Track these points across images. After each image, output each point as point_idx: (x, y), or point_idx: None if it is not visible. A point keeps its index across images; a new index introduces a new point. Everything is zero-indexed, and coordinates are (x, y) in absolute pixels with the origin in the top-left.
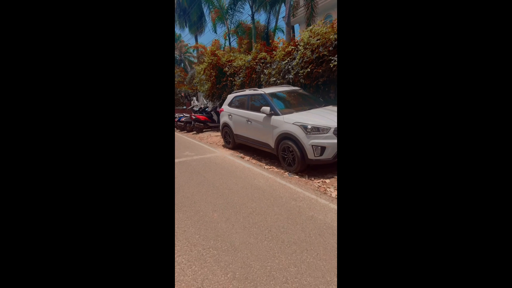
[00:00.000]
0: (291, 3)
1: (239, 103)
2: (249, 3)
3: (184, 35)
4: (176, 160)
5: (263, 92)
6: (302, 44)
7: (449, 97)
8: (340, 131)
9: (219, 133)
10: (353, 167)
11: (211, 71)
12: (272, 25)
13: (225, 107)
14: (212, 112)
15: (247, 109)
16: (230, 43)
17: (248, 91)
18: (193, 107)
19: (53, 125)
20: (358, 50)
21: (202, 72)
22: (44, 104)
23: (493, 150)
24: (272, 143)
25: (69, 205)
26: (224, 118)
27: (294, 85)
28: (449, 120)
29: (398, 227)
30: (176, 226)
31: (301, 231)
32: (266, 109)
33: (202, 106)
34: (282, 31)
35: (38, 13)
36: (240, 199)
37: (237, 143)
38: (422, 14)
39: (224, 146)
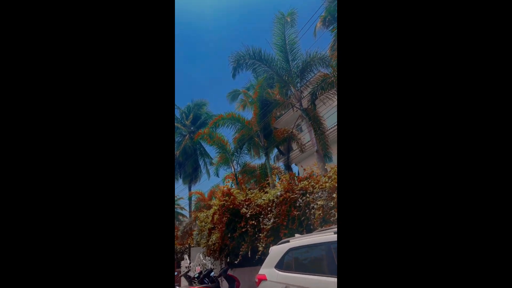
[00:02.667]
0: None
1: (304, 262)
2: (260, 144)
3: (176, 186)
4: None
5: None
6: None
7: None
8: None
9: None
10: (352, 173)
11: (222, 216)
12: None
13: (268, 271)
14: (220, 279)
15: (332, 273)
16: (238, 183)
17: (324, 236)
18: (188, 272)
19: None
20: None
21: (209, 220)
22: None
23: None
24: None
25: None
26: None
27: None
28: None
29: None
30: None
31: None
32: None
33: (201, 268)
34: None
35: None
36: None
37: None
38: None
39: None
